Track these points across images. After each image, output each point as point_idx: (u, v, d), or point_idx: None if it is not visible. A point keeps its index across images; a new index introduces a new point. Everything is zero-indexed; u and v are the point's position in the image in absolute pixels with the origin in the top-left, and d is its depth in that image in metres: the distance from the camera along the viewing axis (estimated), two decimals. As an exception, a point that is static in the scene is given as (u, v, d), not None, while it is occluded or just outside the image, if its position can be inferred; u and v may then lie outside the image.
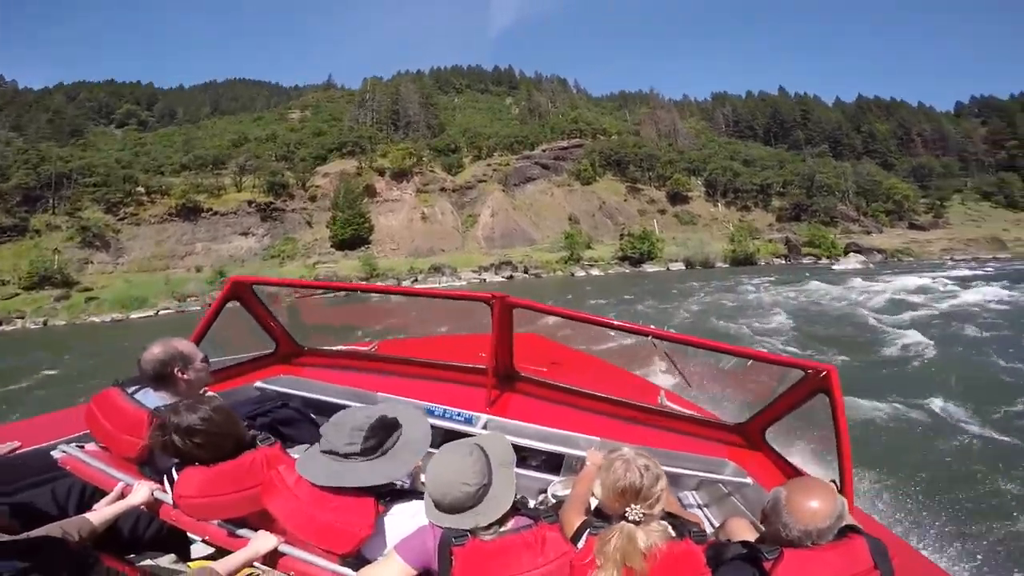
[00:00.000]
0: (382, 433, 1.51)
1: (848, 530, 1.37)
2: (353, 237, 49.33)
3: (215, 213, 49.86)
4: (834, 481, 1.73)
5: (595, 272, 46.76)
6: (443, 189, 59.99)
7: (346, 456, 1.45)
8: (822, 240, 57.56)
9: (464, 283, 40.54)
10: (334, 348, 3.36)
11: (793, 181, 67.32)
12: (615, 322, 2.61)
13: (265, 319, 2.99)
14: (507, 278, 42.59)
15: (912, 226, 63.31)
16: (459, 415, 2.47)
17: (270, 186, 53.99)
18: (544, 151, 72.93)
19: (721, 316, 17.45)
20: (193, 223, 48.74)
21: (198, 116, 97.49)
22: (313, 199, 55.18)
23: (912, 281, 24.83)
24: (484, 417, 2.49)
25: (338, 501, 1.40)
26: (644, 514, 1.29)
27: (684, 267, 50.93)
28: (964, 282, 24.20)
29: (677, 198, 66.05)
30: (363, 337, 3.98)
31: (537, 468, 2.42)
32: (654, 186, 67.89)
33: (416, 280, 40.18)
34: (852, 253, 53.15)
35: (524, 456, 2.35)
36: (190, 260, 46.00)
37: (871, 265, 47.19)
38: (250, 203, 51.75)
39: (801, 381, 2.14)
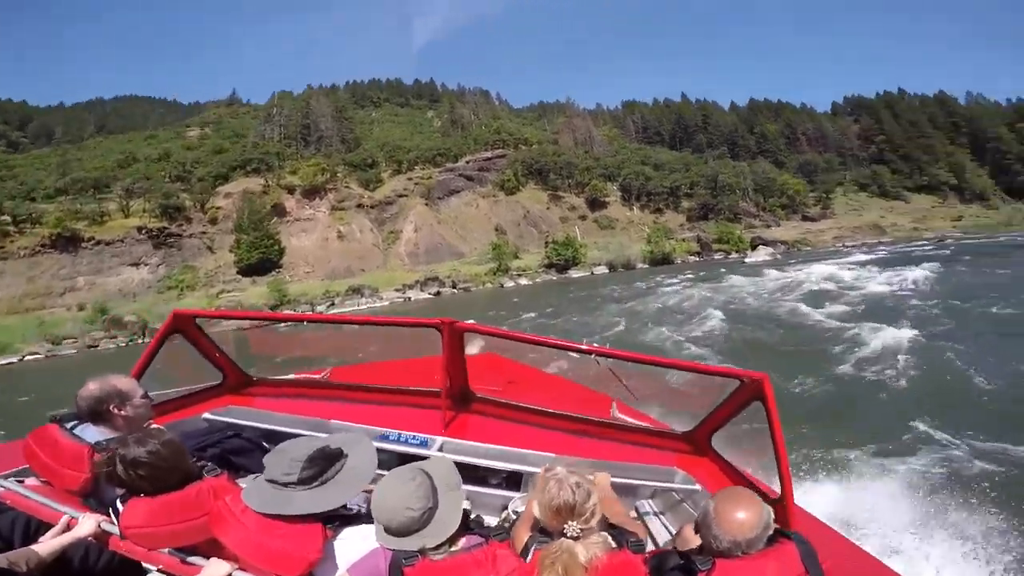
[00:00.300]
0: (323, 463, 1.55)
1: (779, 536, 1.39)
2: (261, 261, 45.24)
3: (98, 242, 43.66)
4: (780, 481, 1.84)
5: (524, 282, 46.29)
6: (360, 205, 56.99)
7: (285, 485, 1.49)
8: (730, 236, 61.35)
9: (387, 304, 38.23)
10: (285, 377, 3.31)
11: (699, 182, 71.32)
12: (561, 342, 2.67)
13: (210, 351, 2.92)
14: (434, 294, 40.87)
15: (805, 218, 69.17)
16: (414, 439, 2.44)
17: (163, 209, 48.28)
18: (468, 163, 72.00)
19: (658, 322, 17.51)
20: (72, 255, 42.30)
21: (80, 136, 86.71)
22: (214, 222, 50.17)
23: (822, 269, 28.21)
24: (440, 439, 2.47)
25: (286, 528, 1.43)
26: (582, 529, 1.35)
27: (607, 270, 51.92)
28: (865, 266, 28.53)
29: (596, 204, 67.60)
30: (315, 366, 3.91)
31: (498, 486, 2.41)
32: (574, 193, 69.09)
33: (333, 304, 37.34)
34: (761, 246, 57.05)
35: (485, 475, 2.35)
36: (71, 297, 39.77)
37: (778, 256, 50.49)
38: (140, 229, 45.89)
39: (738, 389, 2.17)
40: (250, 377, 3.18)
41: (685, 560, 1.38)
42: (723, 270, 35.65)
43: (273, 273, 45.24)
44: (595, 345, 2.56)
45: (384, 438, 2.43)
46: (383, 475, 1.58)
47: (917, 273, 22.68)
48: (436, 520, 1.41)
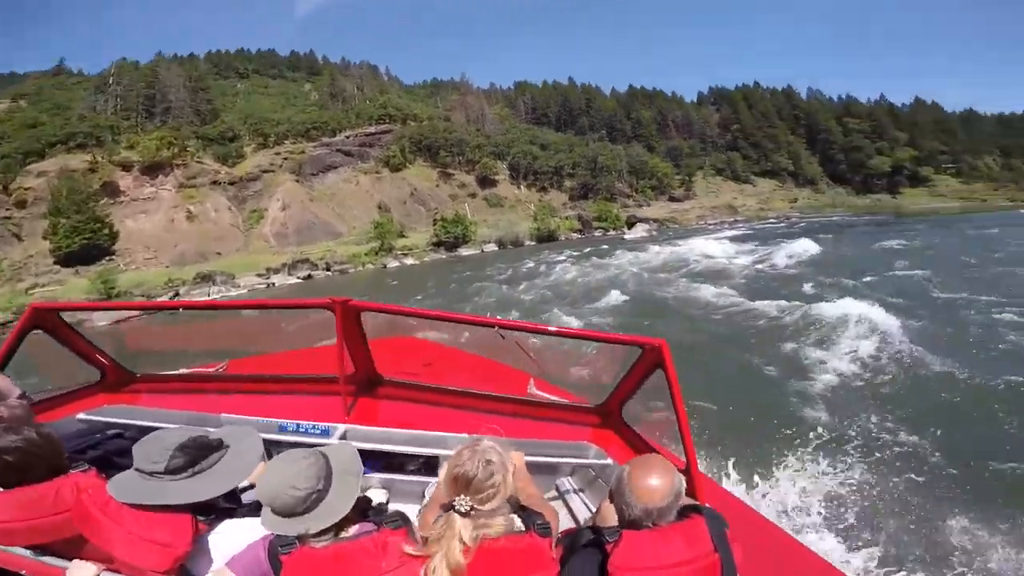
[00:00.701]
0: (195, 452, 1.47)
1: (690, 510, 1.37)
2: (86, 248, 37.64)
3: None
4: (683, 450, 1.85)
5: (410, 261, 43.84)
6: (216, 183, 49.89)
7: (151, 474, 1.42)
8: (608, 214, 64.11)
9: (245, 291, 33.72)
10: (173, 372, 3.06)
11: (580, 163, 73.77)
12: (463, 316, 2.70)
13: (81, 347, 2.67)
14: (304, 278, 37.00)
15: (671, 199, 74.63)
16: (314, 428, 2.34)
17: (-53, 191, 38.12)
18: (348, 137, 66.64)
19: (556, 299, 17.33)
20: None
21: None
22: (22, 204, 40.81)
23: (700, 245, 30.24)
24: (342, 427, 2.38)
25: (154, 520, 1.37)
26: (473, 507, 1.27)
27: (497, 247, 51.51)
28: (735, 241, 31.21)
29: (486, 182, 66.70)
30: (210, 359, 3.41)
31: (416, 472, 2.33)
32: (464, 171, 67.48)
33: (177, 294, 32.10)
34: (638, 223, 60.07)
35: (403, 462, 2.29)
36: None
37: (654, 232, 53.12)
38: (-84, 215, 35.84)
39: (641, 357, 2.16)
40: (132, 374, 2.88)
41: (596, 535, 1.35)
42: (606, 247, 36.72)
43: (104, 261, 37.93)
44: (499, 318, 2.51)
45: (283, 429, 2.31)
46: None
47: (785, 247, 25.34)
48: (325, 503, 1.30)
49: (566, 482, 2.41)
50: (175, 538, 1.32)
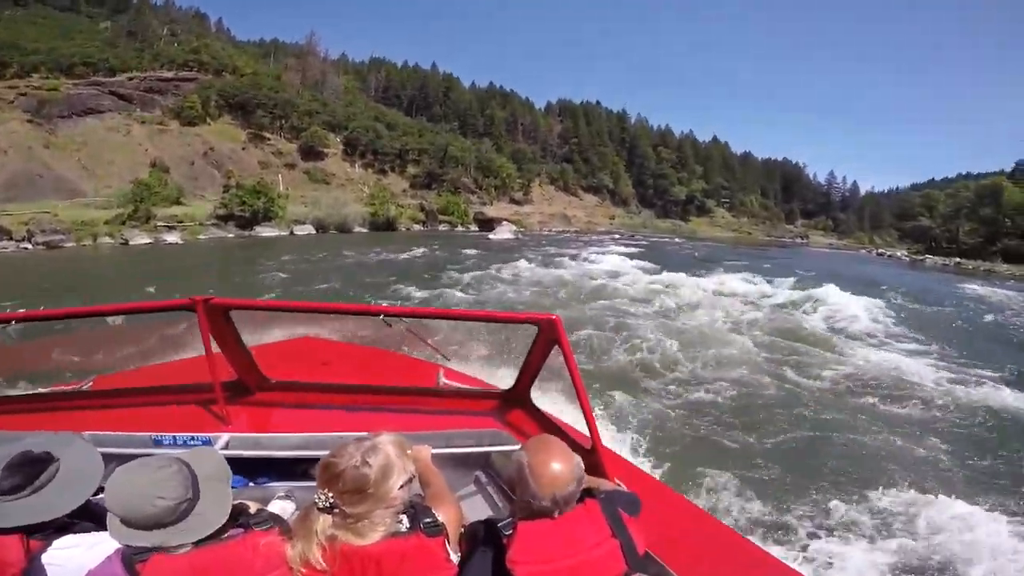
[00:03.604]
0: (28, 468, 1.27)
1: (584, 495, 1.27)
2: None
3: None
4: (586, 425, 1.78)
5: (172, 238, 32.43)
6: None
7: None
8: (455, 208, 59.00)
9: None
10: (25, 392, 2.78)
11: (428, 151, 68.02)
12: (343, 306, 2.50)
13: None
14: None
15: (512, 201, 72.98)
16: (193, 439, 2.08)
17: None
18: (131, 79, 51.16)
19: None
20: None
21: None
22: None
23: (603, 257, 25.43)
24: (226, 436, 2.11)
25: None
26: (337, 505, 1.11)
27: (314, 231, 42.41)
28: (618, 255, 26.70)
29: (311, 153, 57.19)
30: (71, 377, 3.15)
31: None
32: (285, 137, 56.91)
33: None
34: (505, 223, 54.12)
35: (307, 468, 1.98)
36: None
37: (520, 235, 46.81)
38: None
39: (538, 335, 2.09)
40: None
41: (490, 528, 1.24)
42: (471, 250, 27.46)
43: None
44: (384, 305, 2.40)
45: (158, 443, 2.04)
46: None
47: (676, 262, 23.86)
48: (195, 514, 1.11)
49: (483, 474, 2.23)
50: (5, 560, 1.14)
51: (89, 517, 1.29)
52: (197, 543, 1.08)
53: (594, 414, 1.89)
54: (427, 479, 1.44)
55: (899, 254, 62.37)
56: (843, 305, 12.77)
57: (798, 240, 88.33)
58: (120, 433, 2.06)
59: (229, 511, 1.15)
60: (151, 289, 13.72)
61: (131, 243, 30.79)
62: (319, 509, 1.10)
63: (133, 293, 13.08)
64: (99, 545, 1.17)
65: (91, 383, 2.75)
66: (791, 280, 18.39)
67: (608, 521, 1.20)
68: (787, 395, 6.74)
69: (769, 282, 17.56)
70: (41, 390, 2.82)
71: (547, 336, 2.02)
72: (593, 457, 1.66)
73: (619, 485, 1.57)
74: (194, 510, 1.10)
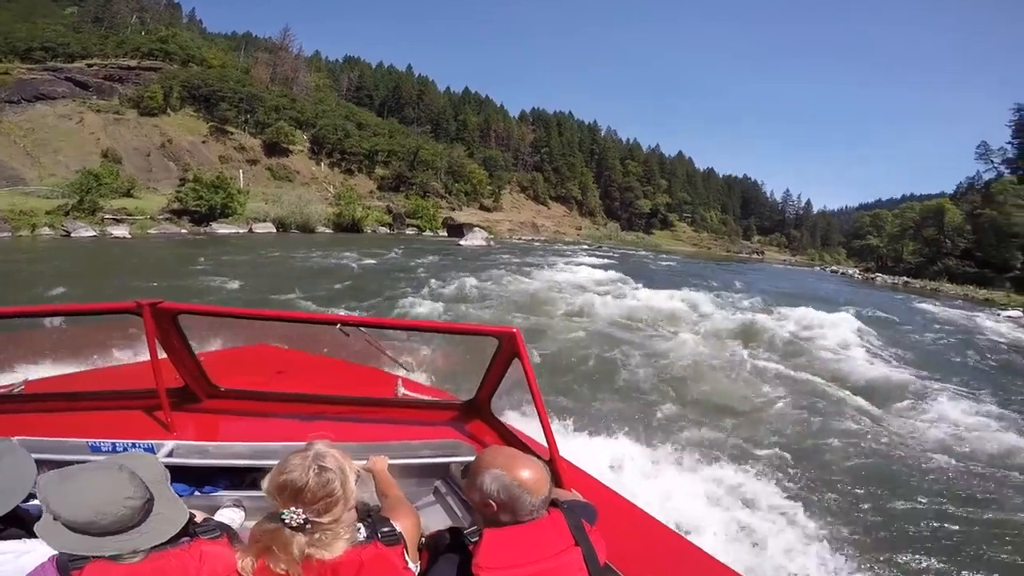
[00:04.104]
0: None
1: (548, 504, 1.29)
2: None
3: None
4: (544, 436, 1.79)
5: (119, 232, 30.86)
6: None
7: None
8: (424, 212, 58.37)
9: None
10: None
11: (399, 153, 67.67)
12: (299, 315, 2.49)
13: None
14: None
15: (482, 207, 73.28)
16: (134, 447, 1.97)
17: None
18: (91, 66, 49.37)
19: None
20: None
21: None
22: None
23: (580, 267, 24.18)
24: (170, 444, 2.01)
25: None
26: (309, 520, 1.06)
27: (275, 229, 41.29)
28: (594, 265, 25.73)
29: (276, 149, 56.37)
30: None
31: None
32: (250, 132, 55.84)
33: None
34: (477, 229, 51.67)
35: (256, 477, 1.91)
36: None
37: (492, 243, 45.17)
38: None
39: (498, 348, 2.09)
40: None
41: (455, 536, 1.24)
42: (440, 256, 26.59)
43: None
44: (341, 314, 2.09)
45: (95, 449, 1.91)
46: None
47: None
48: (156, 513, 1.05)
49: (442, 484, 2.21)
50: None
51: (18, 525, 1.23)
52: (150, 548, 1.04)
53: (552, 425, 1.91)
54: (384, 489, 1.42)
55: (850, 271, 64.59)
56: (821, 321, 12.76)
57: (754, 256, 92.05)
58: (53, 439, 1.96)
59: (187, 510, 1.12)
60: (68, 289, 11.97)
61: (73, 235, 29.43)
62: (292, 529, 1.05)
63: (67, 291, 11.95)
64: (29, 554, 1.12)
65: (23, 387, 2.59)
66: (760, 297, 18.66)
67: (571, 529, 1.22)
68: (756, 405, 6.66)
69: (733, 298, 17.63)
70: None
71: (507, 349, 2.03)
72: (551, 467, 1.65)
73: (575, 495, 1.58)
74: (154, 511, 1.06)
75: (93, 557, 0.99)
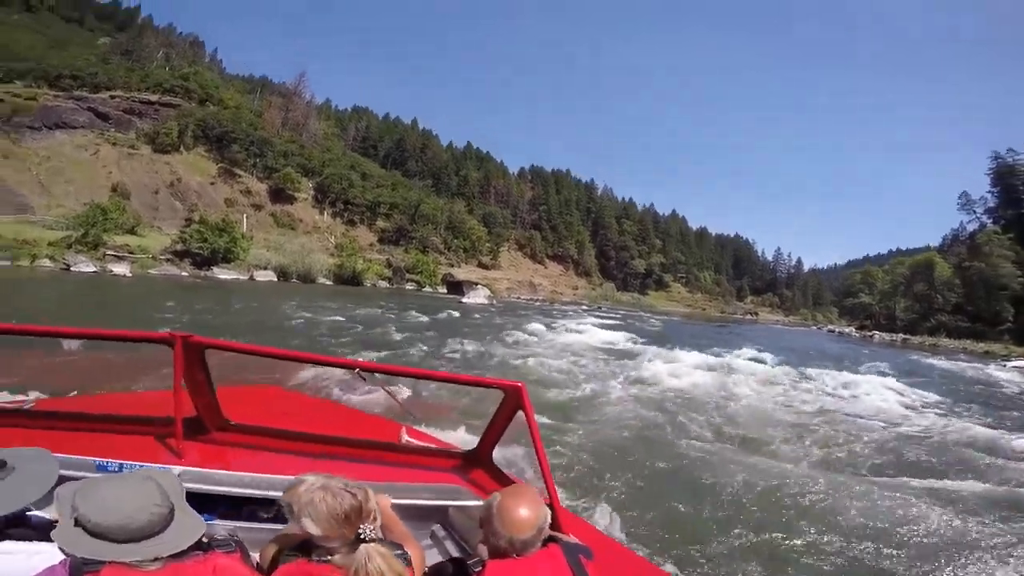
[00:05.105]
0: None
1: (549, 540, 1.40)
2: None
3: None
4: (544, 486, 1.88)
5: (120, 270, 30.90)
6: None
7: None
8: (425, 268, 59.00)
9: None
10: None
11: (400, 206, 69.28)
12: (321, 357, 2.58)
13: None
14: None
15: (480, 264, 74.04)
16: (142, 468, 2.00)
17: None
18: (113, 97, 51.17)
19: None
20: None
21: None
22: None
23: (592, 328, 24.00)
24: (177, 469, 2.03)
25: None
26: (372, 529, 1.23)
27: (276, 278, 41.40)
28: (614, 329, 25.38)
29: (281, 195, 57.62)
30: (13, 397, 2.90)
31: (271, 520, 2.14)
32: (257, 176, 57.25)
33: None
34: (480, 287, 52.46)
35: (255, 509, 2.10)
36: None
37: (495, 302, 44.67)
38: None
39: (503, 400, 2.19)
40: None
41: (458, 566, 1.38)
42: (447, 313, 26.08)
43: None
44: (359, 359, 2.37)
45: (102, 468, 1.96)
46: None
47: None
48: (177, 521, 1.12)
49: (439, 528, 2.32)
50: None
51: (30, 528, 1.31)
52: (165, 558, 1.10)
53: (553, 477, 2.01)
54: (389, 525, 1.52)
55: (846, 330, 65.48)
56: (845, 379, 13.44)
57: (748, 316, 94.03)
58: (60, 455, 2.01)
59: (204, 523, 1.18)
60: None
61: (73, 269, 29.40)
62: (369, 541, 1.19)
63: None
64: (39, 555, 1.17)
65: (33, 403, 2.67)
66: (774, 356, 18.98)
67: (570, 565, 1.30)
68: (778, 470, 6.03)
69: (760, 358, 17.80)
70: None
71: (512, 402, 2.14)
72: (551, 513, 1.70)
73: (573, 539, 1.66)
74: (176, 518, 1.13)
75: (109, 561, 1.03)
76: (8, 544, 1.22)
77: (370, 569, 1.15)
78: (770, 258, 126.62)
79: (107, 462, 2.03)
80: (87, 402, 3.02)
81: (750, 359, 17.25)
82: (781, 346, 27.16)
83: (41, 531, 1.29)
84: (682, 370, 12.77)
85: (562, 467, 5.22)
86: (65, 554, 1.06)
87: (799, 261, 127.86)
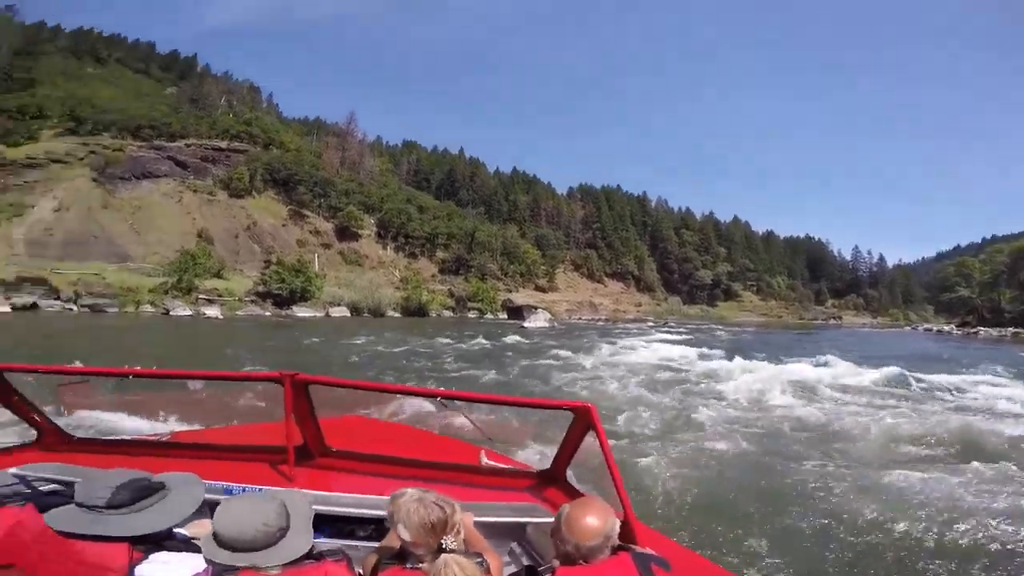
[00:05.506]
0: (138, 490, 1.51)
1: (619, 549, 1.47)
2: None
3: None
4: (619, 500, 1.93)
5: (211, 312, 32.40)
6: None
7: (92, 508, 1.45)
8: (485, 295, 59.61)
9: None
10: (113, 438, 3.16)
11: (457, 235, 70.12)
12: (409, 388, 3.23)
13: (19, 407, 2.65)
14: (22, 308, 25.34)
15: (537, 287, 73.36)
16: (260, 492, 2.16)
17: None
18: (189, 146, 55.08)
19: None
20: None
21: None
22: None
23: (652, 346, 22.68)
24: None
25: (90, 548, 1.39)
26: (454, 540, 1.40)
27: (349, 313, 42.44)
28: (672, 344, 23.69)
29: (346, 233, 59.31)
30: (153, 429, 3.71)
31: (367, 537, 2.33)
32: (323, 216, 59.37)
33: None
34: (540, 311, 50.58)
35: (352, 528, 2.32)
36: None
37: (556, 324, 44.84)
38: None
39: (574, 421, 2.28)
40: (70, 436, 2.81)
41: (530, 573, 1.51)
42: (512, 338, 26.42)
43: None
44: (440, 388, 2.88)
45: (228, 492, 2.24)
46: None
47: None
48: (286, 541, 1.33)
49: (516, 546, 2.42)
50: (110, 563, 1.34)
51: (175, 540, 1.52)
52: (284, 565, 1.29)
53: (628, 493, 2.03)
54: (471, 540, 1.60)
55: (945, 328, 59.31)
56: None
57: (831, 321, 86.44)
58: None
59: (312, 542, 1.37)
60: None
61: (171, 313, 31.05)
62: (453, 551, 1.35)
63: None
64: (185, 562, 1.38)
65: (169, 436, 3.08)
66: (869, 362, 16.77)
67: (639, 570, 1.34)
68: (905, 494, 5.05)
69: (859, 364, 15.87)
70: (125, 437, 3.31)
71: (583, 422, 2.21)
72: (626, 526, 1.80)
73: (649, 552, 1.64)
74: (285, 538, 1.32)
75: (242, 568, 1.24)
76: (165, 554, 1.44)
77: (446, 574, 1.30)
78: (848, 257, 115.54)
79: (232, 486, 2.27)
80: (211, 433, 3.48)
81: (842, 367, 15.62)
82: (872, 352, 24.25)
83: (184, 543, 1.53)
84: (764, 383, 11.71)
85: (641, 489, 5.01)
86: (207, 563, 1.28)
87: (881, 257, 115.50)
